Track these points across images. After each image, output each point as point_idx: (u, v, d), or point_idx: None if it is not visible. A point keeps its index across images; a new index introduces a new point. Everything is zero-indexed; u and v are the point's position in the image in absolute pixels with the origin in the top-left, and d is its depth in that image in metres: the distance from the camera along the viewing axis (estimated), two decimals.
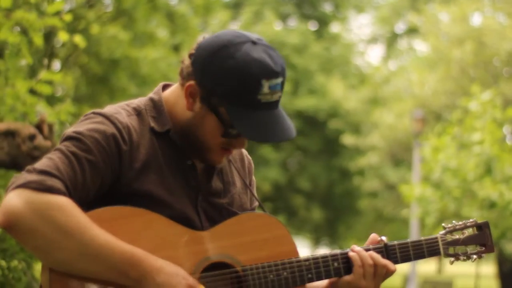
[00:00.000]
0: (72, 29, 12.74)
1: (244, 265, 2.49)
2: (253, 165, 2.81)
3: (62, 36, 6.17)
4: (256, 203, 2.76)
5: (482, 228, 2.77)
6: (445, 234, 2.74)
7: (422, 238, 2.72)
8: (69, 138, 2.39)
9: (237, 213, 2.61)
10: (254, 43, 2.43)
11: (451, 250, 2.74)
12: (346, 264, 2.61)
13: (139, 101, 2.58)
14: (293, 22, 34.08)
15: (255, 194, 2.77)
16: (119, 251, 2.29)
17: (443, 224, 2.78)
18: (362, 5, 35.75)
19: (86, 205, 2.35)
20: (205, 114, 2.46)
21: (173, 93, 2.56)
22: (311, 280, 2.58)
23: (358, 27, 50.24)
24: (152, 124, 2.52)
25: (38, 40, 5.51)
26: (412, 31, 32.11)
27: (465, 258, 2.76)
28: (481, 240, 2.76)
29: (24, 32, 5.76)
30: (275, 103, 2.45)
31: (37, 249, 2.28)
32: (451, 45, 22.50)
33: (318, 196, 31.93)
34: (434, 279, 30.16)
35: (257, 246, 2.53)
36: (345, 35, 35.20)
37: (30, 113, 5.49)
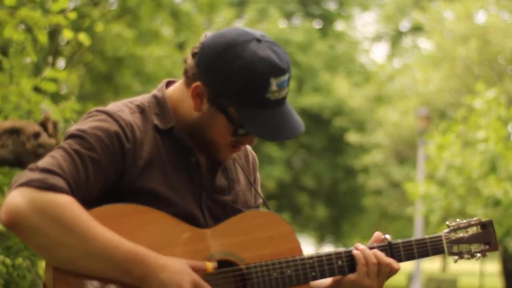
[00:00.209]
0: (76, 27, 12.75)
1: (248, 263, 2.49)
2: (257, 161, 2.80)
3: (67, 34, 6.18)
4: (260, 200, 2.76)
5: (486, 226, 2.76)
6: (449, 232, 2.74)
7: (426, 236, 2.71)
8: (72, 136, 2.38)
9: (241, 210, 2.60)
10: (258, 40, 2.42)
11: (455, 249, 2.73)
12: (350, 262, 2.60)
13: (143, 98, 2.57)
14: (297, 20, 34.07)
15: (260, 191, 2.76)
16: (122, 249, 2.28)
17: (447, 223, 2.77)
18: (366, 3, 35.73)
19: (89, 203, 2.35)
20: (213, 115, 2.45)
21: (177, 91, 2.55)
22: (315, 278, 2.57)
23: (363, 25, 50.27)
24: (156, 121, 2.51)
25: (43, 38, 5.51)
26: (417, 29, 32.09)
27: (469, 256, 2.75)
28: (485, 238, 2.76)
29: (29, 30, 5.76)
30: (283, 100, 2.45)
31: (40, 247, 2.27)
32: (455, 43, 22.47)
33: (322, 194, 31.94)
34: (439, 277, 30.12)
35: (261, 244, 2.52)
36: (350, 33, 35.19)
37: (35, 111, 5.49)
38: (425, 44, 33.18)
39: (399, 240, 2.67)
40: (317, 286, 2.67)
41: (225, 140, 2.49)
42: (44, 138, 5.01)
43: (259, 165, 2.83)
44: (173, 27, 19.34)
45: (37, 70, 8.90)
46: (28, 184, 2.24)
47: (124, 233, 2.32)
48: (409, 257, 2.68)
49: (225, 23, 27.13)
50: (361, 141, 27.68)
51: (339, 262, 2.60)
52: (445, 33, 23.77)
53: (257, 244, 2.52)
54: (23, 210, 2.22)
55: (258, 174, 2.80)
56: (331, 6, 34.84)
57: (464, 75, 22.23)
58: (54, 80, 5.71)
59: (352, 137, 27.86)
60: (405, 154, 26.79)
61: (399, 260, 2.65)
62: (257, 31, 2.47)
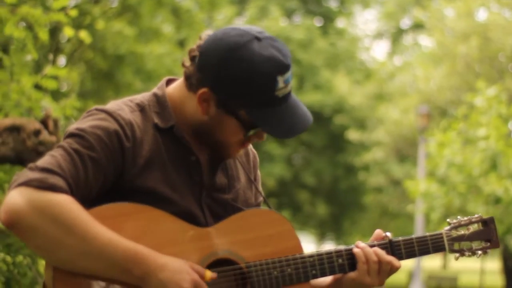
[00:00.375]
0: (77, 24, 12.75)
1: (248, 262, 2.49)
2: (258, 158, 2.80)
3: (68, 32, 6.17)
4: (261, 198, 2.75)
5: (487, 223, 2.76)
6: (450, 230, 2.73)
7: (427, 234, 2.70)
8: (71, 135, 2.37)
9: (241, 208, 2.60)
10: (258, 39, 2.41)
11: (456, 246, 2.73)
12: (350, 260, 2.60)
13: (143, 97, 2.56)
14: (298, 18, 34.06)
15: (260, 188, 2.76)
16: (122, 249, 2.28)
17: (448, 220, 2.77)
18: (367, 0, 35.71)
19: (89, 202, 2.34)
20: (222, 118, 2.44)
21: (178, 90, 2.53)
22: (315, 276, 2.56)
23: (363, 22, 50.25)
24: (156, 120, 2.50)
25: (44, 35, 5.50)
26: (418, 26, 32.10)
27: (470, 254, 2.75)
28: (486, 235, 2.75)
29: (30, 27, 5.75)
30: (290, 93, 2.46)
31: (39, 247, 2.27)
32: (456, 40, 22.47)
33: (323, 192, 31.95)
34: (439, 274, 30.17)
35: (261, 242, 2.52)
36: (350, 30, 35.19)
37: (35, 108, 5.49)
38: (426, 41, 33.19)
39: (400, 238, 2.67)
40: (318, 284, 2.67)
41: (235, 140, 2.49)
42: (45, 135, 5.00)
43: (260, 163, 2.82)
44: (174, 25, 19.35)
45: (37, 67, 8.91)
46: (27, 183, 2.24)
47: (124, 232, 2.32)
48: (410, 254, 2.67)
49: (226, 20, 27.13)
50: (361, 138, 27.68)
51: (340, 260, 2.60)
52: (446, 31, 23.77)
53: (257, 242, 2.51)
54: (22, 210, 2.21)
55: (258, 172, 2.79)
56: (332, 4, 34.85)
57: (465, 72, 22.23)
58: (55, 78, 5.70)
59: (353, 135, 27.87)
60: (405, 152, 26.79)
61: (400, 258, 2.65)
62: (254, 28, 2.45)
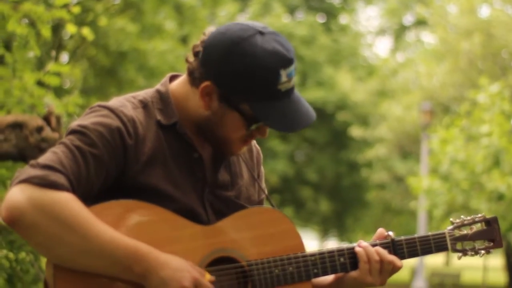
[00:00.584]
0: (80, 21, 12.75)
1: (249, 260, 2.48)
2: (261, 155, 2.79)
3: (70, 28, 6.16)
4: (264, 195, 2.75)
5: (490, 223, 2.75)
6: (453, 229, 2.72)
7: (430, 233, 2.69)
8: (73, 132, 2.37)
9: (244, 206, 2.59)
10: (261, 33, 2.41)
11: (459, 246, 2.72)
12: (352, 259, 2.59)
13: (146, 93, 2.55)
14: (301, 14, 34.04)
15: (263, 185, 2.75)
16: (123, 246, 2.27)
17: (451, 219, 2.76)
18: None
19: (91, 199, 2.34)
20: (225, 112, 2.44)
21: (181, 87, 2.53)
22: (316, 275, 2.56)
23: (366, 19, 50.25)
24: (159, 117, 2.49)
25: (46, 32, 5.50)
26: (420, 23, 32.08)
27: (473, 253, 2.73)
28: (489, 235, 2.74)
29: (32, 24, 5.75)
30: (293, 88, 2.45)
31: (40, 245, 2.27)
32: (459, 37, 22.45)
33: (325, 188, 31.95)
34: (442, 271, 30.18)
35: (263, 240, 2.51)
36: (353, 27, 35.17)
37: (38, 105, 5.48)
38: (428, 38, 33.19)
39: (402, 237, 2.66)
40: (319, 283, 2.66)
41: (237, 135, 2.48)
42: (47, 132, 5.00)
43: (263, 159, 2.82)
44: (177, 21, 19.35)
45: (40, 64, 8.90)
46: (28, 180, 2.23)
47: (126, 230, 2.32)
48: (412, 254, 2.66)
49: (229, 17, 27.14)
50: (364, 135, 27.68)
51: (341, 259, 2.59)
52: (448, 27, 23.75)
53: (259, 241, 2.51)
54: (23, 207, 2.21)
55: (262, 169, 2.78)
56: (335, 0, 34.82)
57: (468, 69, 22.21)
58: (57, 74, 5.70)
59: (356, 131, 27.86)
60: (408, 149, 26.80)
61: (402, 257, 2.64)
62: (257, 23, 2.45)
